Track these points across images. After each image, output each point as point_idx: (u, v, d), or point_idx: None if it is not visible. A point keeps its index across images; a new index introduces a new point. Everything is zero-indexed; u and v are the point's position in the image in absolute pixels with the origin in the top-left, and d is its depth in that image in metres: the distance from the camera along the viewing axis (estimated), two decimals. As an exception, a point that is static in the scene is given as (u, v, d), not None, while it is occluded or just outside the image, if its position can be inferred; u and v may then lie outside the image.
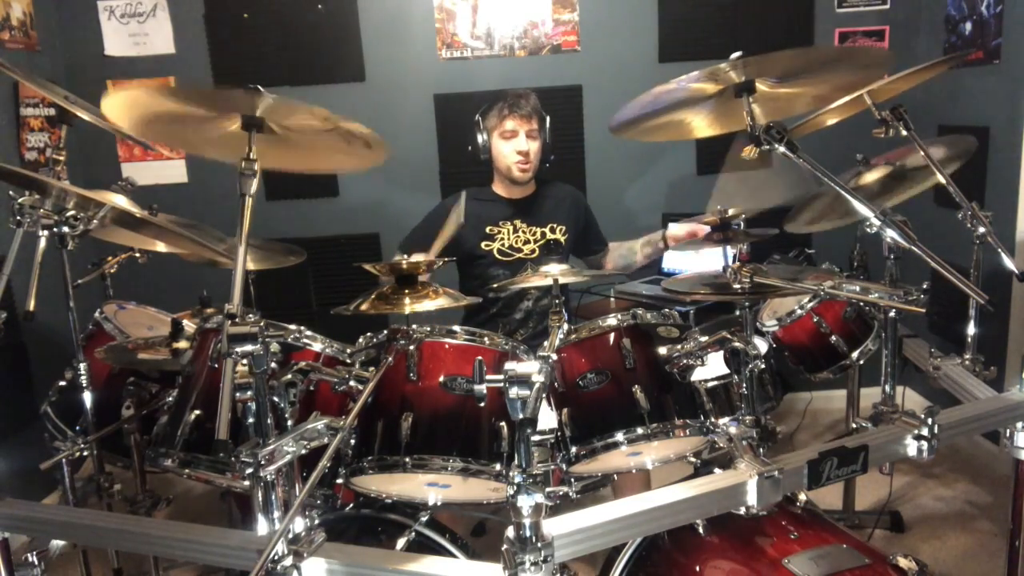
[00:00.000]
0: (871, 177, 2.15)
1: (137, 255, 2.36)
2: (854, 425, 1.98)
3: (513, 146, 2.48)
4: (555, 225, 2.60)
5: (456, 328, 1.62)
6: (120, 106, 1.44)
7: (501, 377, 1.15)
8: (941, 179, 1.76)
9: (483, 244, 2.54)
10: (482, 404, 1.30)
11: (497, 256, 2.54)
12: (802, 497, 1.63)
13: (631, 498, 1.32)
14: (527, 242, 2.57)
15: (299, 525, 1.24)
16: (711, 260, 2.71)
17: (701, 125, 1.72)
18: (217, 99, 1.49)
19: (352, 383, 1.51)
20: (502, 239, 2.55)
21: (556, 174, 2.74)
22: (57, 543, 1.53)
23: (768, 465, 1.36)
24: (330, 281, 3.55)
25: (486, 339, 1.62)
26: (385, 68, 3.42)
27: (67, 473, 1.90)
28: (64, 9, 3.33)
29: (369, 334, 1.65)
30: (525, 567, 1.13)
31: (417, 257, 2.30)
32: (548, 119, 2.52)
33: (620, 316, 1.64)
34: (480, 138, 2.51)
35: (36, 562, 1.51)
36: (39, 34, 3.21)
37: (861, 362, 2.36)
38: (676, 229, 2.58)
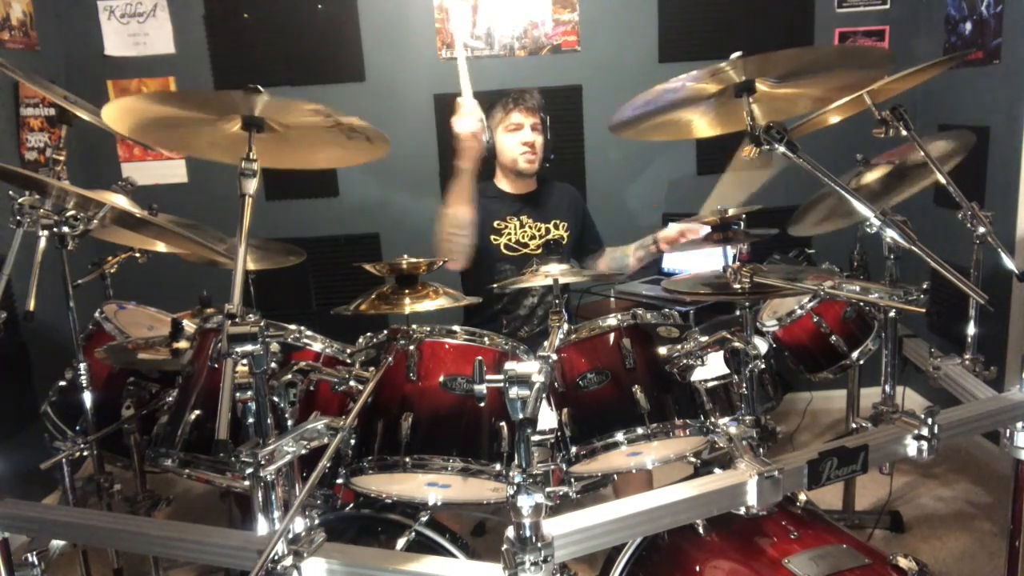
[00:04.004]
0: (871, 177, 2.15)
1: (137, 255, 2.36)
2: (854, 425, 1.98)
3: (519, 138, 2.50)
4: (559, 221, 2.62)
5: (456, 328, 1.62)
6: (120, 113, 1.44)
7: (501, 377, 1.15)
8: (941, 179, 1.76)
9: (491, 238, 2.55)
10: (482, 404, 1.30)
11: (504, 251, 2.56)
12: (802, 497, 1.63)
13: (631, 498, 1.32)
14: (533, 237, 2.58)
15: (299, 525, 1.24)
16: (711, 260, 2.72)
17: (701, 125, 1.72)
18: (216, 101, 1.49)
19: (352, 383, 1.51)
20: (509, 234, 2.56)
21: (556, 174, 2.75)
22: (57, 543, 1.53)
23: (768, 465, 1.35)
24: (330, 281, 3.55)
25: (486, 339, 1.62)
26: (385, 68, 3.42)
27: (67, 473, 1.90)
28: (64, 9, 3.33)
29: (369, 334, 1.65)
30: (525, 567, 1.13)
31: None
32: (548, 119, 2.54)
33: (620, 316, 1.64)
34: (484, 136, 2.52)
35: (36, 562, 1.51)
36: (39, 34, 3.21)
37: (861, 362, 2.36)
38: (668, 231, 2.57)
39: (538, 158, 2.53)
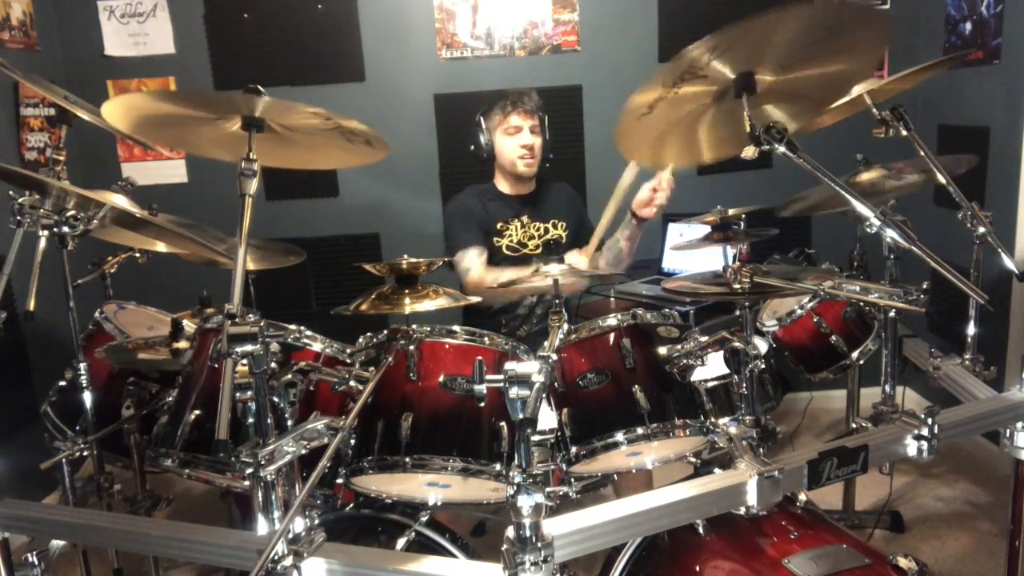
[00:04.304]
0: (869, 177, 2.15)
1: (137, 255, 2.36)
2: (854, 425, 1.98)
3: (518, 141, 2.50)
4: (557, 221, 2.62)
5: (456, 328, 1.62)
6: (120, 110, 1.45)
7: (501, 377, 1.15)
8: (941, 179, 1.77)
9: (493, 240, 2.55)
10: (482, 404, 1.30)
11: (505, 252, 2.56)
12: (802, 497, 1.63)
13: (631, 498, 1.32)
14: (532, 238, 2.59)
15: (299, 525, 1.24)
16: (711, 260, 2.71)
17: (710, 141, 1.67)
18: (217, 102, 1.49)
19: (352, 383, 1.51)
20: (510, 235, 2.57)
21: (556, 174, 2.75)
22: (57, 543, 1.53)
23: (768, 465, 1.35)
24: (330, 281, 3.55)
25: (486, 339, 1.62)
26: (385, 68, 3.42)
27: (67, 473, 1.90)
28: (64, 9, 3.33)
29: (369, 334, 1.65)
30: (525, 567, 1.13)
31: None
32: (547, 118, 2.54)
33: (620, 316, 1.64)
34: (482, 138, 2.53)
35: (36, 562, 1.51)
36: (39, 34, 3.21)
37: (861, 362, 2.36)
38: (639, 195, 2.50)
39: (536, 161, 2.54)
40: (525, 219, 2.59)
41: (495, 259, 2.56)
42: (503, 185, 2.64)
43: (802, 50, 1.41)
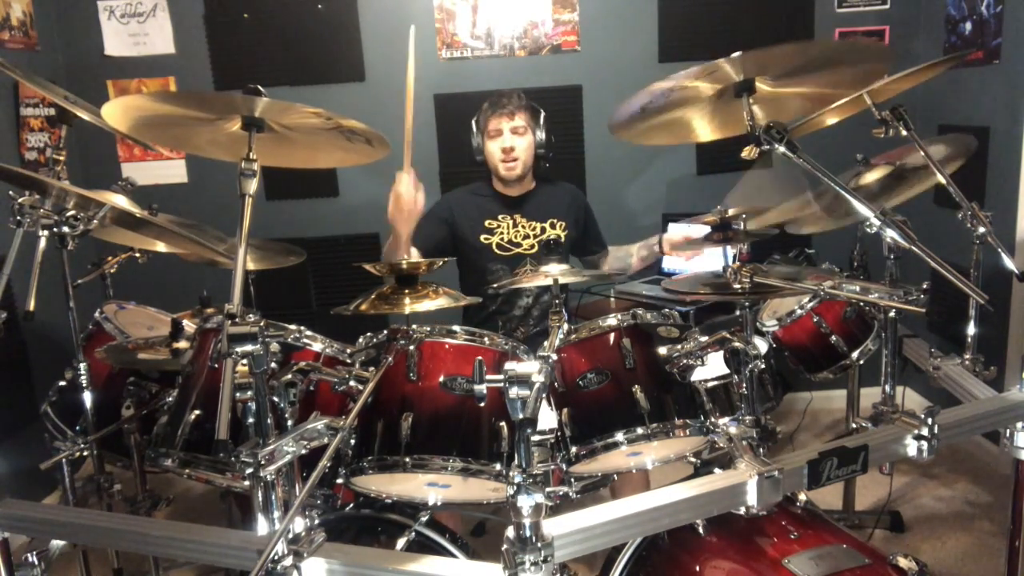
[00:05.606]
0: (871, 177, 2.15)
1: (137, 255, 2.36)
2: (854, 425, 1.98)
3: (498, 144, 2.48)
4: (555, 221, 2.60)
5: (456, 328, 1.62)
6: (120, 111, 1.45)
7: (501, 377, 1.15)
8: (941, 179, 1.76)
9: (482, 237, 2.54)
10: (482, 404, 1.30)
11: (496, 251, 2.55)
12: (802, 497, 1.63)
13: (631, 498, 1.32)
14: (527, 237, 2.57)
15: (299, 525, 1.24)
16: (711, 260, 2.72)
17: (702, 127, 1.72)
18: (216, 102, 1.49)
19: (352, 383, 1.51)
20: (501, 233, 2.56)
21: (556, 174, 2.74)
22: (57, 543, 1.53)
23: (768, 465, 1.35)
24: (330, 281, 3.55)
25: (486, 339, 1.62)
26: (385, 68, 3.42)
27: (67, 473, 1.90)
28: (64, 9, 3.33)
29: (369, 334, 1.65)
30: (525, 567, 1.12)
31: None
32: (543, 114, 2.51)
33: (620, 316, 1.64)
34: (475, 140, 2.53)
35: (36, 562, 1.50)
36: (39, 34, 3.21)
37: (861, 362, 2.36)
38: (672, 233, 2.60)
39: (520, 163, 2.50)
40: (518, 217, 2.57)
41: (485, 258, 2.55)
42: (498, 185, 2.63)
43: (803, 72, 1.47)
